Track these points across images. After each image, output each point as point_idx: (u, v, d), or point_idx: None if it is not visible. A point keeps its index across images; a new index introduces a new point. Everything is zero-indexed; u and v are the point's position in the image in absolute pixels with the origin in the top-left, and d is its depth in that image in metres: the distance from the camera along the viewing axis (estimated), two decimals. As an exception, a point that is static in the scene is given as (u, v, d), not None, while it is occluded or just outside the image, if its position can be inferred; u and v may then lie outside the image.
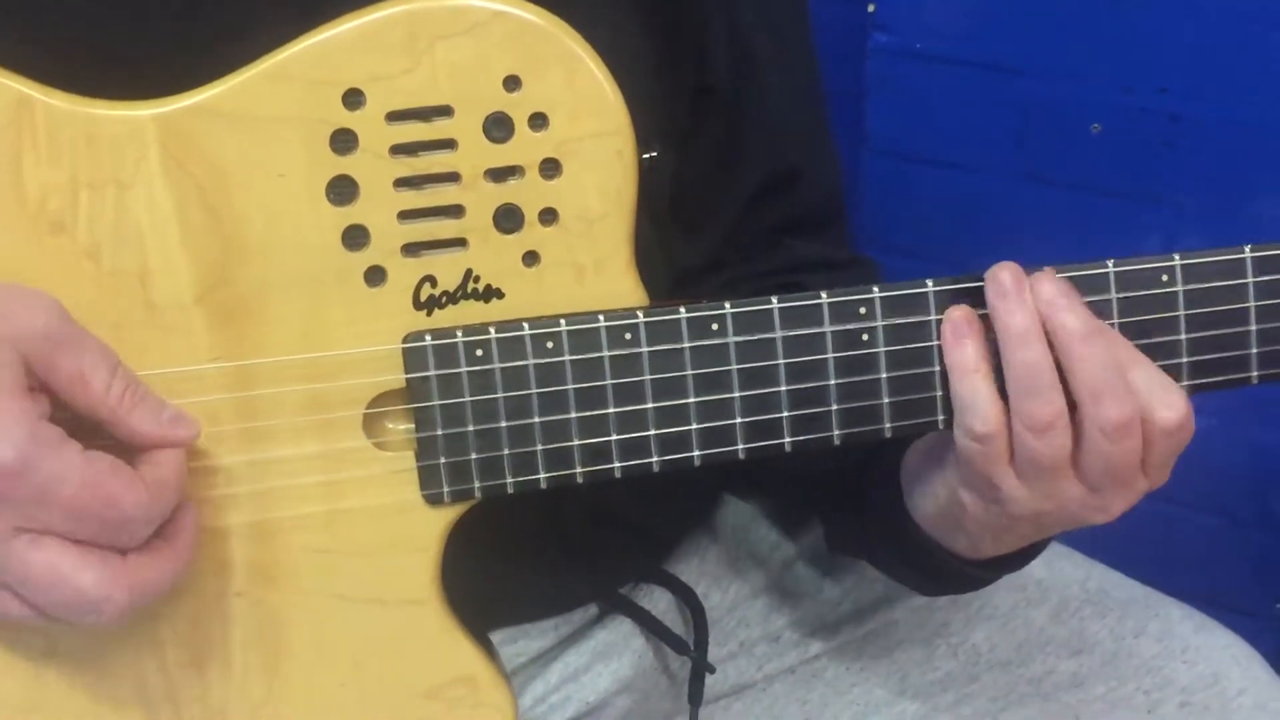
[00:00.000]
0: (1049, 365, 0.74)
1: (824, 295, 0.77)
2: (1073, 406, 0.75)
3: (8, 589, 0.70)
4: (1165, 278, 0.77)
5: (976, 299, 0.77)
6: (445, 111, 0.75)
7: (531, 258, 0.77)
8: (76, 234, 0.74)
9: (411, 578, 0.79)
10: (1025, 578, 0.92)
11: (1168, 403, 0.75)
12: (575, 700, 0.98)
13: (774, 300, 0.77)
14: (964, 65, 1.57)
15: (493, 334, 0.76)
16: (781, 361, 0.77)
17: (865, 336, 0.77)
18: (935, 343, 0.77)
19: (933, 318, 0.77)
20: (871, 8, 1.59)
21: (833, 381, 0.77)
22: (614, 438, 0.77)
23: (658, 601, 1.02)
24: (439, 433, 0.77)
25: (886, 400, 0.78)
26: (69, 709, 0.77)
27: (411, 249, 0.76)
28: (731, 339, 0.77)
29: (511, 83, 0.75)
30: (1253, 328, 0.78)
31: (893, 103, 1.62)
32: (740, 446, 0.78)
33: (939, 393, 0.78)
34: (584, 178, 0.77)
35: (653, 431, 0.77)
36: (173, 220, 0.74)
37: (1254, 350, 0.78)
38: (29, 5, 0.78)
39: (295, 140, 0.75)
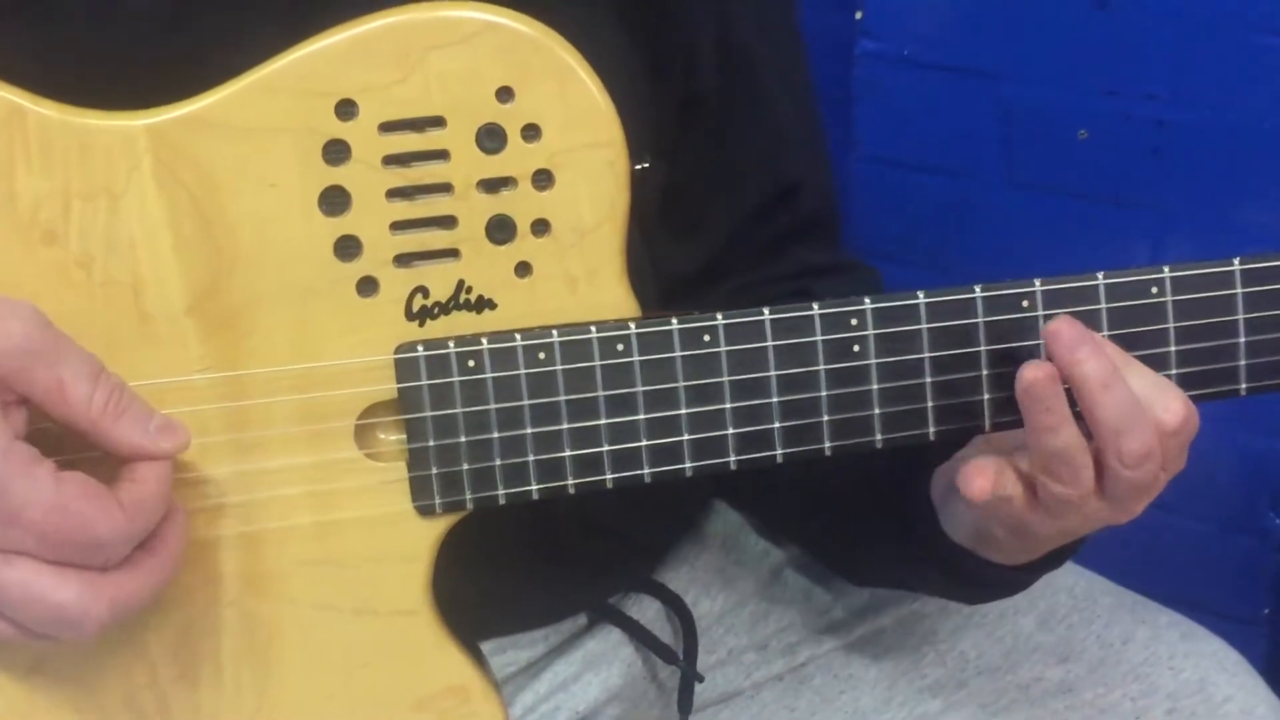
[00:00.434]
0: (1081, 446, 0.75)
1: (815, 306, 0.77)
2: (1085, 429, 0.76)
3: None
4: (1155, 289, 0.78)
5: (966, 311, 0.77)
6: (438, 122, 0.75)
7: (524, 268, 0.77)
8: (68, 244, 0.74)
9: (403, 588, 0.79)
10: (1013, 584, 0.93)
11: (1165, 406, 0.76)
12: (565, 709, 0.98)
13: (765, 311, 0.77)
14: (951, 71, 1.58)
15: (485, 345, 0.76)
16: (773, 373, 0.77)
17: (856, 348, 0.77)
18: (926, 354, 0.77)
19: (924, 327, 0.77)
20: (859, 14, 1.59)
21: (824, 393, 0.78)
22: (606, 449, 0.77)
23: (646, 610, 1.02)
24: (431, 443, 0.77)
25: (877, 411, 0.78)
26: (59, 723, 0.77)
27: (404, 259, 0.76)
28: (723, 349, 0.77)
29: (504, 94, 0.75)
30: (1241, 340, 0.78)
31: (880, 109, 1.62)
32: (732, 458, 0.78)
33: (930, 404, 0.78)
34: (576, 189, 0.77)
35: (644, 442, 0.77)
36: (165, 230, 0.74)
37: (1243, 362, 0.79)
38: (21, 16, 0.78)
39: (288, 150, 0.75)
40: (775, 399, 0.78)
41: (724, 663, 1.03)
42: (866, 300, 0.77)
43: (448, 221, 0.76)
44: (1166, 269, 0.78)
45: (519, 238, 0.77)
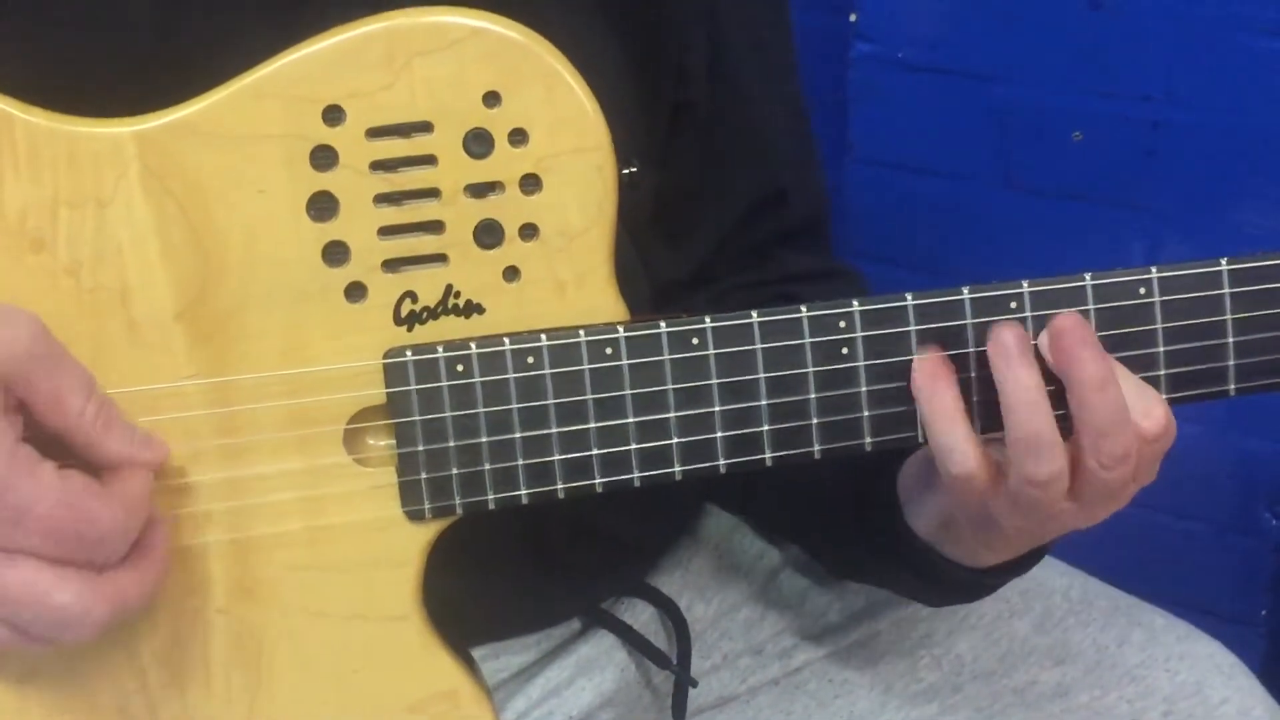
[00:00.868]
0: (1052, 429, 0.75)
1: (804, 309, 0.77)
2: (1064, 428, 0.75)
3: None
4: (1143, 290, 0.78)
5: (955, 313, 0.77)
6: (425, 128, 0.75)
7: (512, 273, 0.77)
8: (56, 251, 0.74)
9: (393, 593, 0.79)
10: (1008, 588, 0.93)
11: (1146, 412, 0.76)
12: (558, 715, 0.98)
13: (754, 314, 0.77)
14: (946, 74, 1.58)
15: (473, 349, 0.76)
16: (762, 375, 0.77)
17: (845, 350, 0.77)
18: (915, 356, 0.77)
19: (912, 329, 0.77)
20: (854, 17, 1.60)
21: (813, 395, 0.78)
22: (595, 452, 0.77)
23: (640, 615, 1.02)
24: (420, 448, 0.77)
25: (866, 414, 0.78)
26: (50, 731, 0.77)
27: (392, 265, 0.76)
28: (712, 352, 0.77)
29: (491, 99, 0.75)
30: (1230, 340, 0.78)
31: (875, 111, 1.62)
32: (721, 461, 0.78)
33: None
34: (564, 193, 0.77)
35: (634, 446, 0.77)
36: (153, 237, 0.74)
37: (1231, 362, 0.79)
38: (8, 24, 0.78)
39: (275, 157, 0.75)
40: (764, 402, 0.77)
41: (718, 667, 1.03)
42: (855, 302, 0.77)
43: (435, 226, 0.76)
44: (1154, 270, 0.77)
45: (507, 242, 0.77)
